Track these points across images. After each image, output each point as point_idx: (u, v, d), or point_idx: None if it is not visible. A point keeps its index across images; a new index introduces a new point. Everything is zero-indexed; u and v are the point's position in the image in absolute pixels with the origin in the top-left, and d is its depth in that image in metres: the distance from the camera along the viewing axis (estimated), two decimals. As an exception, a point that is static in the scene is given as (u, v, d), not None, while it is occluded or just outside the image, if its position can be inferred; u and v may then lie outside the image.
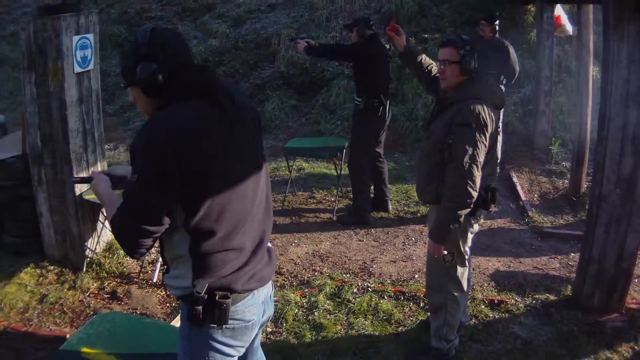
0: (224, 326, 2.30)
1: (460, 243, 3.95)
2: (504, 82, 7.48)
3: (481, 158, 3.61)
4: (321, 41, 10.78)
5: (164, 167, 2.07)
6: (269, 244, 2.57)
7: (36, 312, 5.02)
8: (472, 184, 3.56)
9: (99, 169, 5.68)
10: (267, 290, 2.53)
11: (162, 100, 2.23)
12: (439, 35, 10.99)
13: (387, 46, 7.04)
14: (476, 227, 4.06)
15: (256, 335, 2.61)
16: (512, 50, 7.69)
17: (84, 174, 5.31)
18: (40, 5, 5.19)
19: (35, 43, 5.17)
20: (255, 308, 2.42)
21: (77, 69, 5.30)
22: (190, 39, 12.94)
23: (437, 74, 4.10)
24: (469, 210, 3.70)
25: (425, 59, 4.48)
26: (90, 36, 5.46)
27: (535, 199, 7.62)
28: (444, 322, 4.18)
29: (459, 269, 4.06)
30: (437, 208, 3.87)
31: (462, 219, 3.73)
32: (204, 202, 2.16)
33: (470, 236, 4.03)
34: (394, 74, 8.60)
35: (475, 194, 3.60)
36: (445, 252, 3.85)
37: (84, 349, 3.16)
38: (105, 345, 3.20)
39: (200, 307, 2.22)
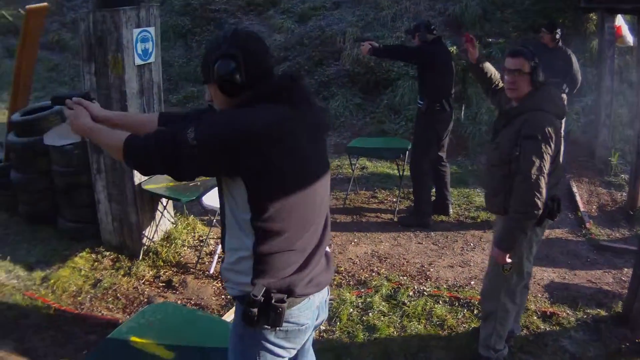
0: (277, 328, 2.37)
1: (524, 253, 4.06)
2: (566, 91, 7.44)
3: (547, 169, 3.72)
4: (386, 41, 10.87)
5: (232, 153, 2.18)
6: (327, 249, 2.63)
7: (89, 296, 5.30)
8: (539, 195, 3.67)
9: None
10: (322, 295, 2.59)
11: (242, 100, 2.31)
12: (503, 41, 11.05)
13: (451, 50, 7.07)
14: (541, 237, 4.18)
15: (308, 337, 2.69)
16: (574, 59, 7.61)
17: None
18: None
19: (95, 35, 5.43)
20: (310, 312, 2.49)
21: (138, 62, 5.53)
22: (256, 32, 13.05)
23: (503, 86, 4.19)
24: (535, 220, 3.83)
25: (495, 74, 4.60)
26: (152, 29, 5.66)
27: (593, 210, 7.56)
28: (493, 331, 4.29)
29: (515, 279, 4.16)
30: (504, 218, 4.00)
31: (528, 230, 3.87)
32: (275, 201, 2.25)
33: (535, 246, 4.15)
34: (458, 78, 8.63)
35: (542, 205, 3.71)
36: (509, 260, 3.93)
37: (133, 338, 3.33)
38: (155, 336, 3.37)
39: (255, 310, 2.27)
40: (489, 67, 4.59)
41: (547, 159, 3.70)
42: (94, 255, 5.99)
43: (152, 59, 5.75)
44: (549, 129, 3.69)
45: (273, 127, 2.22)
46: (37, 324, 4.87)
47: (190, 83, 12.67)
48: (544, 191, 3.69)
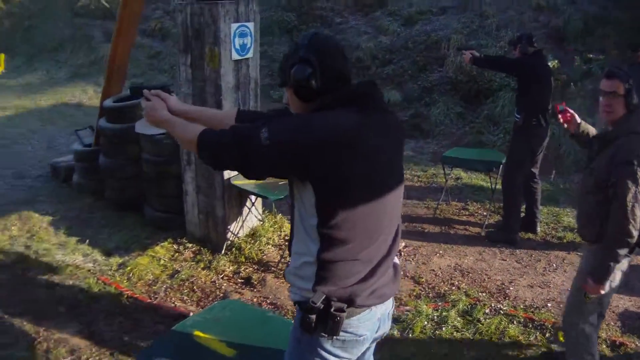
0: (334, 337, 2.35)
1: (609, 281, 3.86)
2: None
3: None
4: (489, 51, 10.77)
5: (302, 156, 2.19)
6: (396, 260, 2.60)
7: (164, 286, 5.41)
8: (634, 223, 3.57)
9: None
10: (385, 307, 2.54)
11: (317, 105, 2.32)
12: (603, 57, 10.76)
13: (552, 64, 6.92)
14: (627, 267, 4.00)
15: (368, 348, 2.64)
16: None
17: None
18: None
19: (192, 27, 5.54)
20: (370, 323, 2.45)
21: (235, 56, 5.60)
22: (361, 34, 13.27)
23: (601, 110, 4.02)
24: (628, 250, 3.70)
25: (591, 132, 4.40)
26: (250, 25, 5.73)
27: None
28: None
29: (591, 306, 4.02)
30: (596, 246, 3.87)
31: (621, 259, 3.74)
32: (343, 209, 2.25)
33: (619, 275, 3.96)
34: (557, 92, 8.41)
35: (636, 234, 3.60)
36: (602, 292, 3.80)
37: (197, 332, 3.35)
38: (219, 332, 3.38)
39: (313, 316, 2.29)
40: (586, 127, 4.41)
41: None
42: (175, 246, 6.12)
43: (250, 54, 5.82)
44: None
45: (345, 134, 2.22)
46: (107, 310, 5.00)
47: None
48: (639, 219, 3.58)
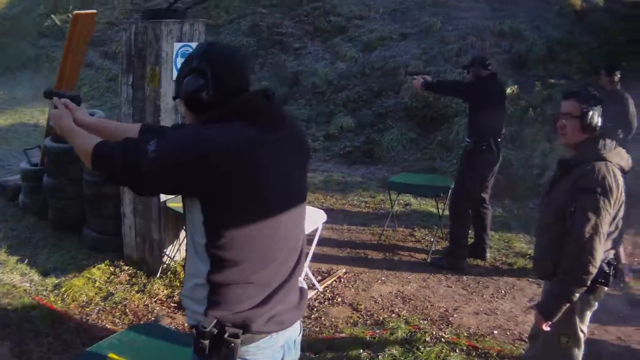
0: None
1: (577, 323, 3.63)
2: (620, 136, 7.18)
3: (605, 228, 3.36)
4: (447, 77, 10.83)
5: (187, 170, 2.09)
6: (303, 285, 2.50)
7: (97, 308, 5.33)
8: (592, 259, 3.30)
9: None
10: (290, 334, 2.40)
11: (208, 117, 2.22)
12: (565, 82, 10.86)
13: (512, 89, 6.96)
14: (594, 306, 3.71)
15: None
16: (631, 102, 7.32)
17: None
18: (145, 8, 5.46)
19: (135, 46, 5.53)
20: (271, 351, 2.32)
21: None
22: (319, 59, 13.31)
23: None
24: (584, 288, 3.43)
25: None
26: (194, 45, 5.59)
27: (636, 263, 7.17)
28: None
29: (575, 351, 3.69)
30: (553, 282, 3.61)
31: (575, 298, 3.44)
32: (231, 228, 2.14)
33: (588, 315, 3.70)
34: (515, 118, 8.48)
35: (594, 271, 3.33)
36: (547, 329, 3.55)
37: (112, 355, 3.28)
38: (133, 355, 3.32)
39: (206, 342, 2.17)
40: None
41: (606, 216, 3.33)
42: (112, 269, 6.05)
43: None
44: (609, 181, 3.34)
45: (233, 148, 2.11)
46: (39, 330, 4.92)
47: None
48: (598, 254, 3.31)
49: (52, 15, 20.76)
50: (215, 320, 2.17)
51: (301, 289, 2.47)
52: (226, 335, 2.16)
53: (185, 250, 2.41)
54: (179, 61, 5.45)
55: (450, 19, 13.82)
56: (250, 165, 2.14)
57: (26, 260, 6.20)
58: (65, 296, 5.45)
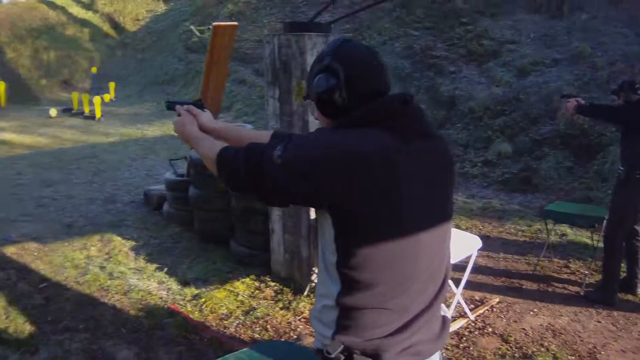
0: None
1: None
2: None
3: None
4: (600, 101, 10.29)
5: (314, 177, 1.89)
6: (446, 313, 2.26)
7: (237, 322, 5.20)
8: None
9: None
10: None
11: (341, 122, 2.03)
12: None
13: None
14: None
15: None
16: None
17: None
18: (288, 20, 5.36)
19: (280, 59, 5.42)
20: None
21: None
22: (474, 83, 13.05)
23: None
24: None
25: None
26: None
27: None
28: None
29: None
30: None
31: None
32: (364, 246, 1.92)
33: None
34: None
35: None
36: None
37: None
38: None
39: None
40: None
41: None
42: (257, 283, 5.95)
43: None
44: None
45: (366, 156, 1.88)
46: (170, 338, 4.87)
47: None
48: None
49: (192, 27, 21.46)
50: (342, 346, 1.98)
51: (444, 318, 2.21)
52: None
53: (318, 268, 2.17)
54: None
55: (598, 45, 13.32)
56: (386, 176, 1.90)
57: (165, 269, 6.22)
58: (203, 307, 5.37)
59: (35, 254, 6.68)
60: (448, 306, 5.11)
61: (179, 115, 2.57)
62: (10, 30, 26.46)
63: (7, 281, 5.88)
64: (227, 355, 3.30)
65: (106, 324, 5.04)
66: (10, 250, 6.74)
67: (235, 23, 7.16)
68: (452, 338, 4.86)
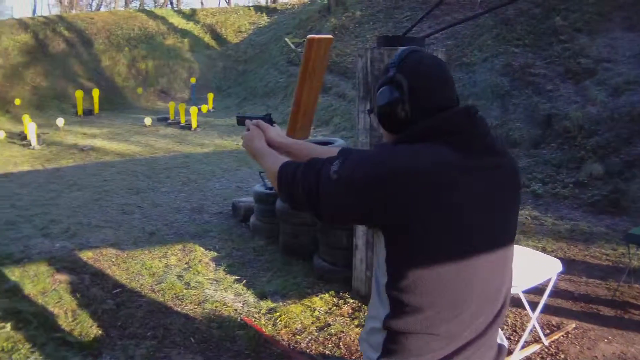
0: None
1: None
2: None
3: None
4: None
5: (365, 194, 1.86)
6: (502, 342, 2.16)
7: (309, 337, 5.15)
8: None
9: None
10: None
11: (403, 136, 1.99)
12: None
13: None
14: None
15: None
16: None
17: None
18: (381, 34, 5.36)
19: (372, 73, 5.36)
20: None
21: None
22: (570, 102, 12.83)
23: None
24: None
25: None
26: None
27: None
28: None
29: None
30: None
31: None
32: (416, 268, 1.87)
33: None
34: None
35: None
36: None
37: None
38: None
39: None
40: None
41: None
42: (335, 300, 5.88)
43: None
44: None
45: (422, 172, 1.83)
46: (239, 350, 4.86)
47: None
48: None
49: (287, 39, 21.73)
50: None
51: (500, 347, 2.12)
52: None
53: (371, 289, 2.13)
54: None
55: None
56: (444, 194, 1.83)
57: (244, 281, 6.23)
58: (277, 321, 5.33)
59: (113, 259, 6.84)
60: (523, 330, 4.89)
61: (248, 130, 2.60)
62: (107, 38, 27.63)
63: (80, 285, 6.03)
64: None
65: (175, 333, 5.09)
66: (87, 255, 6.92)
67: (330, 36, 7.12)
68: None
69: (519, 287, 4.42)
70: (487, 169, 1.93)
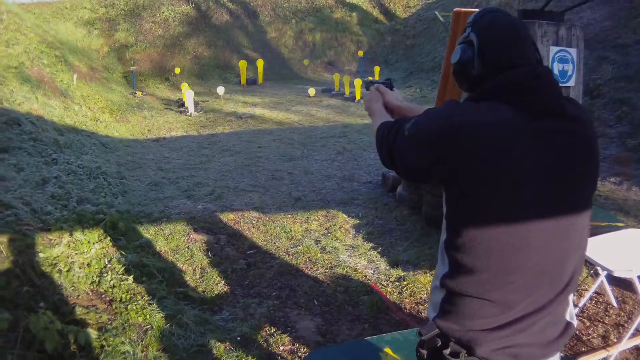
0: None
1: None
2: None
3: None
4: None
5: (429, 148, 1.91)
6: (572, 320, 2.05)
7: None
8: None
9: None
10: None
11: (470, 95, 2.05)
12: None
13: None
14: None
15: None
16: None
17: None
18: (520, 8, 5.32)
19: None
20: None
21: None
22: None
23: None
24: None
25: None
26: (572, 51, 5.43)
27: None
28: None
29: None
30: None
31: None
32: (470, 227, 1.87)
33: None
34: None
35: None
36: None
37: (387, 349, 3.09)
38: (409, 356, 3.02)
39: (424, 352, 2.03)
40: None
41: None
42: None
43: (570, 83, 5.53)
44: None
45: (482, 129, 1.84)
46: (359, 315, 4.86)
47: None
48: None
49: (436, 12, 21.38)
50: (436, 331, 1.99)
51: (567, 325, 2.03)
52: (447, 352, 1.96)
53: None
54: (555, 66, 5.37)
55: None
56: (502, 154, 1.82)
57: (379, 249, 6.18)
58: (404, 289, 5.26)
59: (254, 222, 6.98)
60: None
61: (369, 91, 2.76)
62: (273, 10, 28.22)
63: (215, 245, 6.21)
64: (383, 335, 3.42)
65: (300, 295, 5.15)
66: (228, 217, 7.10)
67: (477, 10, 6.95)
68: (632, 353, 4.37)
69: (634, 270, 4.09)
70: (552, 133, 1.88)
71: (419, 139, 1.95)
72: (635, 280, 4.21)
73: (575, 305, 4.82)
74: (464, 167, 1.82)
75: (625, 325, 4.57)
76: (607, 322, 4.67)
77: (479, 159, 1.81)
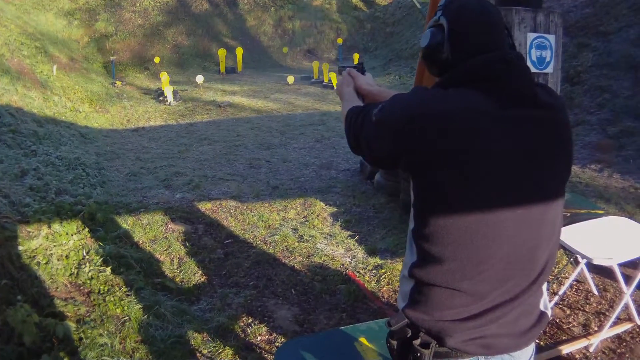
0: None
1: None
2: None
3: None
4: None
5: (394, 135, 1.87)
6: (546, 310, 2.02)
7: (407, 295, 5.06)
8: None
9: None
10: None
11: (439, 82, 1.99)
12: None
13: None
14: None
15: None
16: None
17: None
18: None
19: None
20: None
21: (531, 69, 5.23)
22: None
23: None
24: None
25: None
26: (551, 37, 5.42)
27: None
28: None
29: None
30: None
31: None
32: (437, 215, 1.82)
33: None
34: None
35: None
36: None
37: (362, 339, 3.06)
38: (383, 347, 2.98)
39: (394, 343, 1.98)
40: None
41: None
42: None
43: (549, 70, 5.51)
44: None
45: (448, 116, 1.79)
46: (336, 304, 4.85)
47: (631, 118, 11.85)
48: None
49: None
50: (406, 321, 1.95)
51: (541, 314, 2.00)
52: (417, 342, 1.92)
53: None
54: (533, 53, 5.36)
55: None
56: (470, 142, 1.78)
57: (357, 237, 6.18)
58: (382, 278, 5.26)
59: (231, 211, 6.97)
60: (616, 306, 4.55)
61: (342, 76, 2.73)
62: (252, -2, 28.06)
63: (193, 235, 6.18)
64: (358, 324, 3.30)
65: (277, 284, 5.14)
66: (206, 207, 7.08)
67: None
68: (613, 342, 4.40)
69: (614, 259, 4.09)
70: (523, 120, 1.85)
71: (384, 126, 1.92)
72: (616, 268, 4.23)
73: (555, 294, 4.84)
74: (430, 156, 1.79)
75: (607, 314, 4.59)
76: (587, 310, 4.68)
77: (445, 148, 1.77)
